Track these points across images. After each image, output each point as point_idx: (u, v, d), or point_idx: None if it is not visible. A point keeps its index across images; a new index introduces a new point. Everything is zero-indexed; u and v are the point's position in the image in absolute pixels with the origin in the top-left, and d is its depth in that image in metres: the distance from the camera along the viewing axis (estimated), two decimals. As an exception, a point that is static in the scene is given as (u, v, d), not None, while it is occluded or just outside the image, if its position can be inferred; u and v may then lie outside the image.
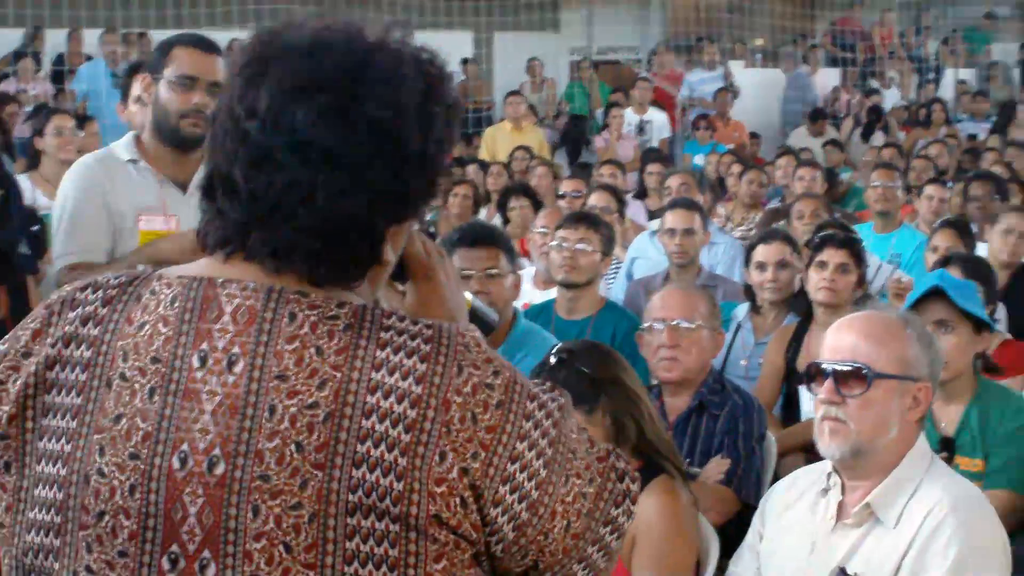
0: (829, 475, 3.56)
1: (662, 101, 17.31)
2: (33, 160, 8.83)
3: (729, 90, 17.74)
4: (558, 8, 20.87)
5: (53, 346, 1.80)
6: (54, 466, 1.77)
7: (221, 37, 5.77)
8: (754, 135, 17.61)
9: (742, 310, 6.60)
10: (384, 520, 1.70)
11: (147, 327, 1.78)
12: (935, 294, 4.62)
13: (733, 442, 4.79)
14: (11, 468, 1.80)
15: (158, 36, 15.64)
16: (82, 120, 9.40)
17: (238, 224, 1.80)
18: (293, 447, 1.70)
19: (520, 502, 1.76)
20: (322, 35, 1.81)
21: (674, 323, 4.94)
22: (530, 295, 7.20)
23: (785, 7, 21.66)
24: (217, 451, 1.72)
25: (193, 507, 1.72)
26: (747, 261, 6.62)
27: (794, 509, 3.65)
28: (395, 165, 1.78)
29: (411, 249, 1.98)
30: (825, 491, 3.56)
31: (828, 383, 3.45)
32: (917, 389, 3.46)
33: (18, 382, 1.80)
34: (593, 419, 3.95)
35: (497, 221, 10.17)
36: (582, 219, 6.44)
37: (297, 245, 1.78)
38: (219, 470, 1.72)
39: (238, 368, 1.74)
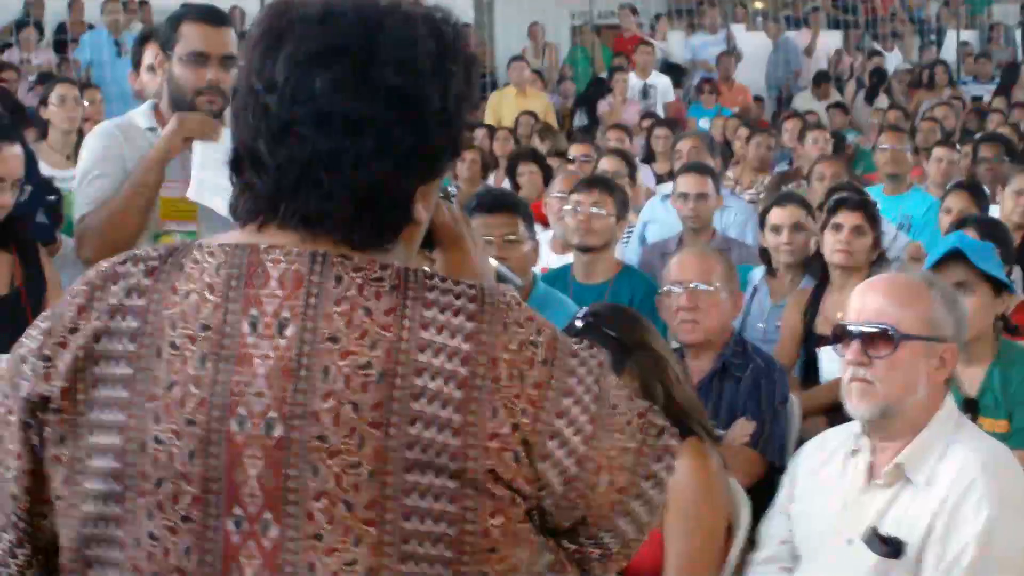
0: (858, 436, 3.59)
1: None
2: (43, 131, 8.82)
3: (732, 54, 17.71)
4: (559, -29, 20.78)
5: (99, 319, 1.81)
6: (109, 436, 1.78)
7: (223, 3, 5.74)
8: (758, 98, 17.61)
9: (758, 273, 6.62)
10: (441, 476, 1.72)
11: (193, 295, 1.79)
12: (954, 256, 4.64)
13: (757, 404, 4.81)
14: (66, 440, 1.81)
15: (158, 4, 15.82)
16: (83, 88, 9.36)
17: (267, 197, 1.82)
18: (349, 407, 1.72)
19: (568, 456, 1.78)
20: (333, 3, 1.82)
21: (692, 285, 4.96)
22: (547, 260, 7.23)
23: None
24: (274, 413, 1.73)
25: (253, 469, 1.74)
26: (762, 224, 6.64)
27: (824, 470, 3.68)
28: (417, 126, 1.80)
29: (438, 218, 2.02)
30: (855, 452, 3.59)
31: (855, 345, 3.47)
32: (944, 350, 3.48)
33: (66, 357, 1.81)
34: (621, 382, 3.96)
35: (506, 186, 10.21)
36: (596, 183, 6.45)
37: (328, 213, 1.80)
38: (277, 432, 1.73)
39: (289, 331, 1.76)
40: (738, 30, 19.49)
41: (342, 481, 1.72)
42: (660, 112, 15.70)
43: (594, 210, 6.19)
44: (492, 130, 13.40)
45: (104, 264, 1.87)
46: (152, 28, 7.17)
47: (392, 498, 1.72)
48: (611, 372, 1.87)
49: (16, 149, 4.26)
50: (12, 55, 15.10)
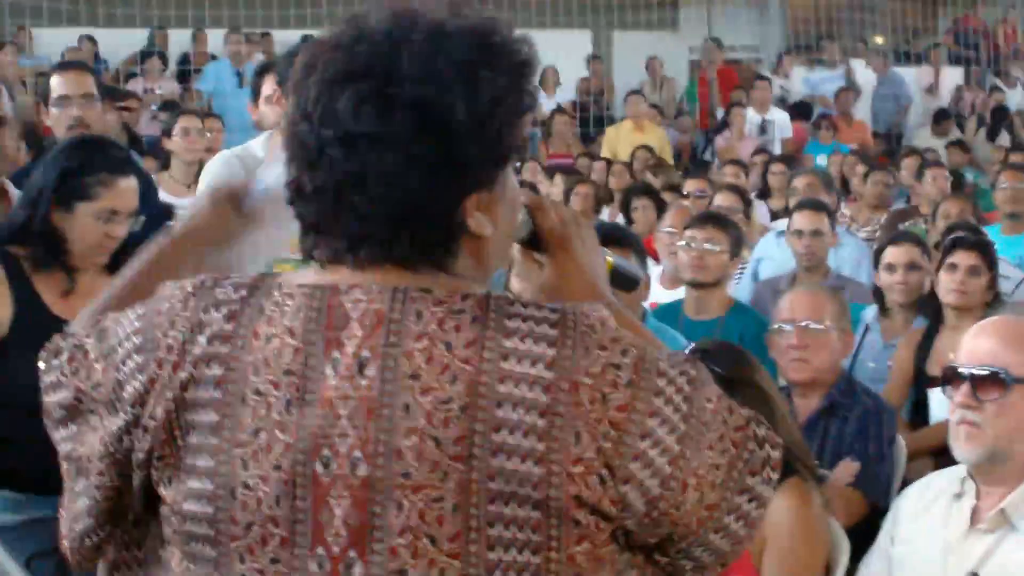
0: (963, 480, 3.56)
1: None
2: (164, 162, 8.97)
3: (851, 89, 17.57)
4: (677, 7, 20.79)
5: (185, 369, 1.83)
6: (201, 482, 1.81)
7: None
8: (876, 135, 17.45)
9: (870, 312, 6.56)
10: (525, 506, 1.73)
11: (275, 339, 1.81)
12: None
13: (863, 444, 4.78)
14: (172, 483, 1.84)
15: (280, 36, 16.05)
16: (204, 118, 9.51)
17: (313, 224, 1.85)
18: (431, 442, 1.73)
19: (652, 477, 1.76)
20: (368, 25, 1.83)
21: (803, 324, 4.94)
22: (657, 295, 7.22)
23: (906, 5, 21.37)
24: (358, 453, 1.75)
25: (339, 509, 1.75)
26: (876, 263, 6.59)
27: (927, 513, 3.65)
28: (441, 137, 1.78)
29: (543, 221, 2.05)
30: (959, 496, 3.56)
31: (965, 387, 3.45)
32: (1056, 395, 3.44)
33: (159, 412, 1.83)
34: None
35: (620, 220, 10.22)
36: (710, 219, 6.45)
37: (368, 235, 1.81)
38: (361, 471, 1.74)
39: (370, 371, 1.77)
40: (858, 65, 19.32)
41: (426, 516, 1.73)
42: (777, 148, 15.62)
43: (708, 246, 6.19)
44: (609, 164, 13.44)
45: (188, 313, 1.87)
46: (271, 60, 7.27)
47: (476, 529, 1.73)
48: (705, 386, 1.84)
49: (132, 182, 4.33)
50: (136, 85, 15.39)
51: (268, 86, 4.99)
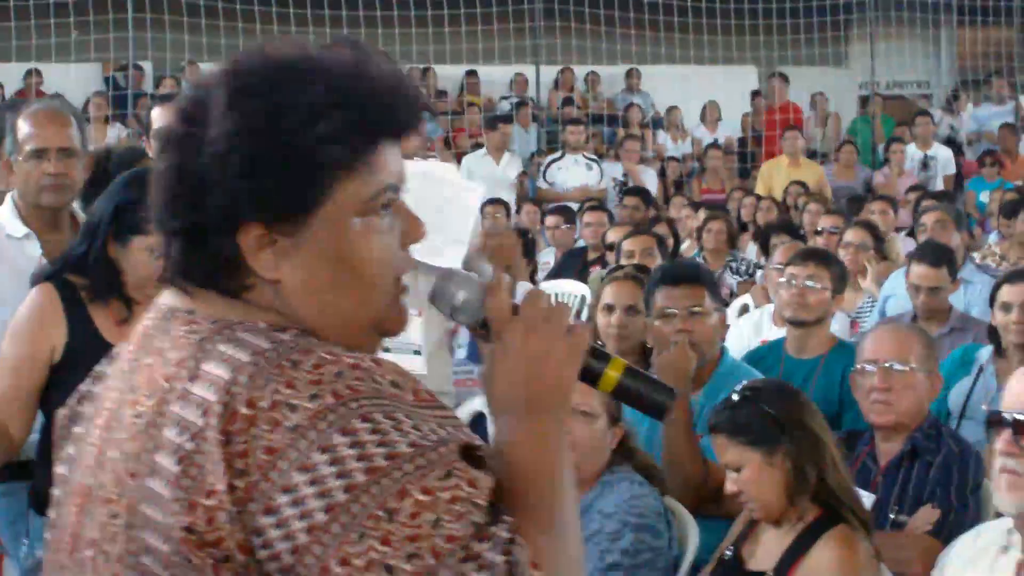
0: (1011, 531, 3.33)
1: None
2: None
3: (1015, 126, 17.10)
4: (849, 42, 20.49)
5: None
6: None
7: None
8: (1048, 173, 16.95)
9: (985, 353, 6.28)
10: (159, 536, 1.65)
11: None
12: None
13: (945, 491, 4.53)
14: None
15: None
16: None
17: None
18: (119, 455, 1.71)
19: (284, 541, 1.58)
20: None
21: (887, 365, 4.71)
22: (768, 332, 7.04)
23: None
24: (90, 460, 1.79)
25: (71, 516, 1.82)
26: (992, 302, 6.32)
27: (973, 567, 3.43)
28: (192, 174, 1.74)
29: (487, 305, 1.86)
30: (1006, 549, 3.34)
31: (1007, 433, 3.22)
32: (1106, 443, 3.20)
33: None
34: (773, 461, 3.84)
35: (755, 256, 10.04)
36: (812, 255, 6.24)
37: (166, 255, 1.81)
38: (83, 478, 1.79)
39: (115, 383, 1.81)
40: (1030, 101, 18.84)
41: (105, 530, 1.72)
42: (940, 184, 15.27)
43: (808, 283, 5.99)
44: (758, 199, 13.24)
45: None
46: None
47: (133, 553, 1.67)
48: (427, 476, 1.60)
49: None
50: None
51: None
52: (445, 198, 4.47)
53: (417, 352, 4.32)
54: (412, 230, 1.86)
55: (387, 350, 4.29)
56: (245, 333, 1.70)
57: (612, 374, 1.90)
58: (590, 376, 1.90)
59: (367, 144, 1.77)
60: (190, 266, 1.78)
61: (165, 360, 1.72)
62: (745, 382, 4.12)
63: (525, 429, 1.77)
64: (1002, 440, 3.23)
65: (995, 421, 3.27)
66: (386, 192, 1.80)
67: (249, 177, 1.72)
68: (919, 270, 7.08)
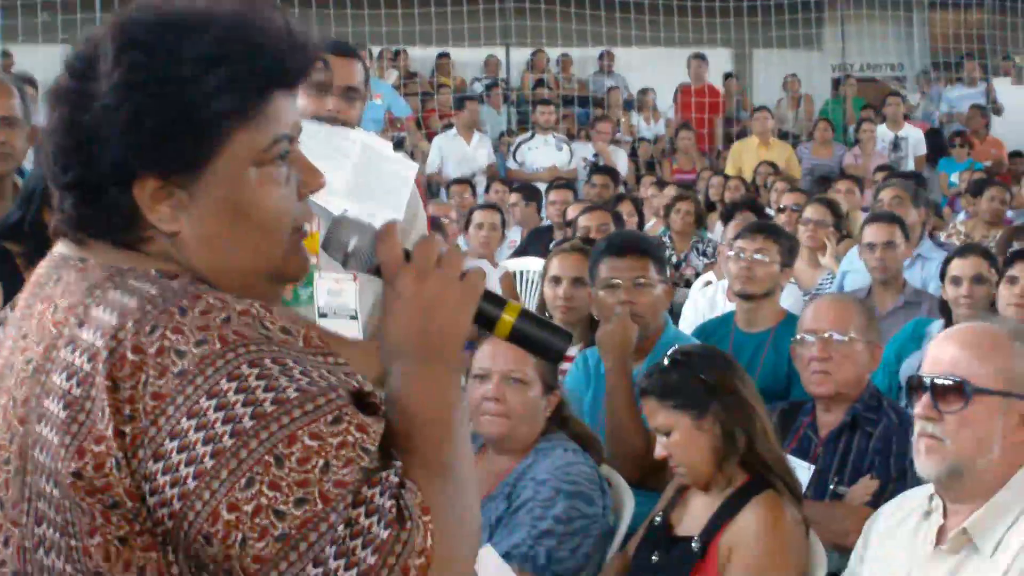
0: (931, 497, 3.32)
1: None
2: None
3: (984, 107, 17.11)
4: (822, 25, 20.47)
5: None
6: None
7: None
8: (1019, 154, 16.95)
9: (936, 327, 6.27)
10: (49, 481, 1.64)
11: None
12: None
13: (885, 462, 4.52)
14: None
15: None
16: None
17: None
18: (10, 401, 1.70)
19: (172, 487, 1.57)
20: None
21: (826, 335, 4.71)
22: (723, 307, 7.02)
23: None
24: None
25: None
26: (943, 276, 6.33)
27: (897, 532, 3.41)
28: (79, 126, 1.73)
29: (379, 251, 1.83)
30: (928, 514, 3.33)
31: (925, 397, 3.20)
32: (1024, 407, 3.18)
33: None
34: (702, 425, 3.84)
35: (719, 236, 10.02)
36: (760, 229, 6.22)
37: (60, 207, 1.79)
38: None
39: (10, 330, 1.80)
40: (1003, 83, 18.83)
41: None
42: (911, 165, 15.28)
43: (757, 256, 5.98)
44: (726, 179, 13.24)
45: None
46: None
47: (28, 499, 1.66)
48: (316, 420, 1.60)
49: None
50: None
51: None
52: (383, 170, 4.46)
53: (354, 317, 4.29)
54: (309, 180, 1.85)
55: (323, 315, 4.27)
56: (135, 280, 1.69)
57: (507, 318, 1.88)
58: (486, 321, 1.88)
59: (259, 94, 1.76)
60: (85, 220, 1.77)
61: (55, 307, 1.72)
62: (677, 346, 4.11)
63: (417, 375, 1.76)
64: (921, 404, 3.21)
65: (915, 386, 3.26)
66: (281, 142, 1.79)
67: (139, 131, 1.71)
68: (871, 229, 7.16)
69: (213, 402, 1.58)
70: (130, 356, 1.60)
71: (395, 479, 1.63)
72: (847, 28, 19.40)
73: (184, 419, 1.58)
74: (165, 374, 1.59)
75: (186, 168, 1.73)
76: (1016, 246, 8.41)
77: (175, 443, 1.57)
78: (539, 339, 1.91)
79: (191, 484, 1.57)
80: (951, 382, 3.18)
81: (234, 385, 1.59)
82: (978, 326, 3.33)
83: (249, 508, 1.56)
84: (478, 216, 9.22)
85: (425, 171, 13.49)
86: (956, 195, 13.90)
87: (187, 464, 1.57)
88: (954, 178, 14.77)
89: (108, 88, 1.71)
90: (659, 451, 3.93)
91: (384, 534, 1.59)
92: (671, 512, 3.98)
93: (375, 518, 1.59)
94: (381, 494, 1.60)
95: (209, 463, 1.56)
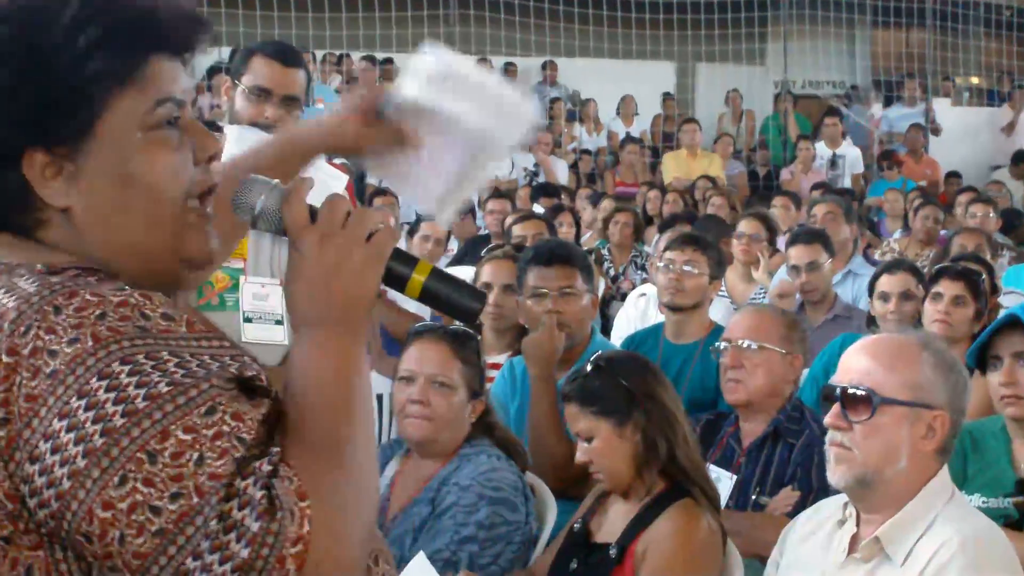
0: (846, 505, 3.38)
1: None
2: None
3: (923, 127, 17.29)
4: (765, 40, 20.58)
5: None
6: None
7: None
8: (955, 174, 17.13)
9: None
10: None
11: None
12: (1014, 324, 4.34)
13: (806, 473, 4.58)
14: None
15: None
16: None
17: None
18: None
19: (49, 488, 1.57)
20: None
21: (739, 343, 4.76)
22: (655, 319, 7.06)
23: (1000, 45, 20.97)
24: None
25: None
26: (871, 291, 6.41)
27: (811, 540, 3.46)
28: None
29: (285, 211, 1.81)
30: (841, 522, 3.38)
31: (835, 407, 3.26)
32: (932, 417, 3.23)
33: None
34: (624, 432, 3.86)
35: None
36: (689, 241, 6.26)
37: None
38: None
39: None
40: (942, 104, 19.02)
41: None
42: (847, 183, 15.43)
43: (686, 268, 6.02)
44: (663, 192, 13.31)
45: None
46: (221, 63, 7.21)
47: None
48: (189, 413, 1.58)
49: None
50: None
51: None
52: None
53: (279, 322, 4.30)
54: (205, 145, 1.82)
55: (248, 320, 4.28)
56: (19, 278, 1.67)
57: (418, 278, 1.85)
58: (396, 282, 1.85)
59: (133, 56, 1.74)
60: None
61: None
62: (599, 352, 4.15)
63: (316, 341, 1.73)
64: (831, 414, 3.27)
65: (827, 395, 3.31)
66: (165, 104, 1.76)
67: (14, 104, 1.69)
68: (793, 251, 7.25)
69: (84, 401, 1.57)
70: (4, 359, 1.58)
71: (268, 467, 1.60)
72: (790, 44, 19.50)
73: (56, 420, 1.56)
74: (38, 375, 1.57)
75: (69, 138, 1.72)
76: (901, 257, 8.54)
77: (48, 444, 1.56)
78: (451, 298, 1.88)
79: (66, 484, 1.56)
80: (860, 392, 3.23)
81: (104, 383, 1.57)
82: (889, 337, 3.40)
83: (124, 505, 1.55)
84: (424, 228, 9.20)
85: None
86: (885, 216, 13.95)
87: (61, 465, 1.56)
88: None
89: None
90: (580, 456, 3.96)
91: (255, 527, 1.56)
92: (590, 519, 4.01)
93: (248, 510, 1.56)
94: (254, 484, 1.58)
95: (81, 463, 1.56)
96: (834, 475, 3.27)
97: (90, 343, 1.58)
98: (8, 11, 1.72)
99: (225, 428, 1.59)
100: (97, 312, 1.61)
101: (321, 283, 1.75)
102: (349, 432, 1.70)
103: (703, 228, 8.91)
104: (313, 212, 1.80)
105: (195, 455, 1.56)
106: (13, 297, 1.63)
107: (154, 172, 1.76)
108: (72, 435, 1.55)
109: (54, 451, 1.56)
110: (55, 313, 1.60)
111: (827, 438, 3.30)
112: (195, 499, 1.55)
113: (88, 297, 1.62)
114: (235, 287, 4.32)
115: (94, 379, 1.57)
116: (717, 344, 4.86)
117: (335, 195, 1.83)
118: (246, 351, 1.71)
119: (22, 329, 1.59)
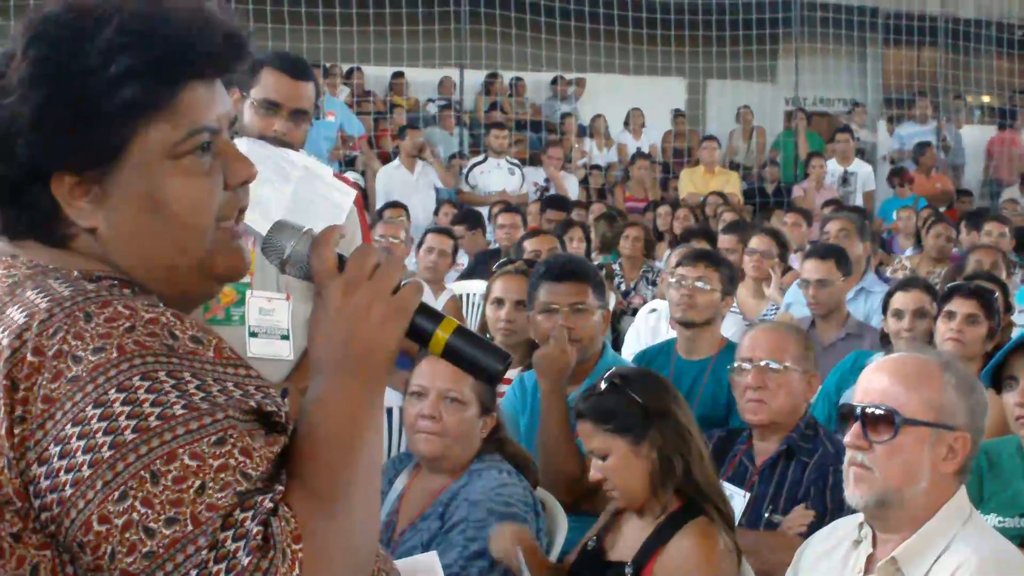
0: (861, 526, 3.33)
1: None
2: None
3: (932, 145, 17.27)
4: (776, 57, 20.56)
5: None
6: None
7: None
8: (966, 192, 17.11)
9: (877, 359, 6.30)
10: None
11: None
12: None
13: (820, 492, 4.54)
14: None
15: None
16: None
17: None
18: None
19: (52, 491, 1.57)
20: None
21: (762, 363, 4.73)
22: (666, 335, 7.04)
23: (1012, 64, 20.95)
24: None
25: None
26: (884, 308, 6.38)
27: (826, 560, 3.42)
28: None
29: (313, 260, 1.81)
30: (857, 543, 3.34)
31: (856, 426, 3.22)
32: (953, 439, 3.19)
33: None
34: (639, 451, 3.83)
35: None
36: (702, 257, 6.24)
37: None
38: None
39: None
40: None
41: None
42: (859, 200, 15.40)
43: (698, 284, 5.99)
44: (674, 208, 13.31)
45: None
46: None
47: None
48: (200, 440, 1.58)
49: None
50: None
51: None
52: (319, 193, 4.46)
53: (285, 337, 4.28)
54: (238, 170, 1.81)
55: (254, 334, 4.25)
56: (54, 280, 1.67)
57: (441, 334, 1.84)
58: (420, 337, 1.85)
59: (167, 85, 1.73)
60: (8, 220, 1.76)
61: None
62: (614, 369, 4.11)
63: (330, 388, 1.73)
64: (851, 433, 3.23)
65: (846, 415, 3.28)
66: (199, 134, 1.76)
67: (45, 127, 1.69)
68: (807, 265, 7.25)
69: (99, 411, 1.56)
70: (30, 357, 1.59)
71: (269, 505, 1.59)
72: (801, 62, 19.48)
73: (69, 425, 1.56)
74: (58, 379, 1.58)
75: (98, 162, 1.72)
76: (916, 275, 8.51)
77: (58, 448, 1.56)
78: (474, 358, 1.87)
79: (68, 491, 1.56)
80: (881, 411, 3.20)
81: (122, 396, 1.57)
82: (909, 357, 3.35)
83: (120, 522, 1.55)
84: (430, 240, 9.18)
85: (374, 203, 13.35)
86: (896, 233, 13.93)
87: (67, 471, 1.56)
88: (895, 215, 14.83)
89: (14, 84, 1.70)
90: (594, 474, 3.92)
91: (245, 560, 1.55)
92: (605, 536, 3.97)
93: (241, 543, 1.56)
94: (252, 519, 1.57)
95: (86, 472, 1.55)
96: (853, 495, 3.23)
97: (115, 354, 1.59)
98: (49, 32, 1.72)
99: (232, 461, 1.59)
100: (127, 325, 1.61)
101: (342, 331, 1.76)
102: (351, 479, 1.70)
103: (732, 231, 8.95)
104: (342, 261, 1.81)
105: (197, 483, 1.57)
106: (46, 298, 1.64)
107: (182, 200, 1.76)
108: (82, 443, 1.56)
109: (62, 456, 1.56)
110: (85, 320, 1.61)
111: (846, 457, 3.26)
112: (189, 527, 1.56)
113: (120, 308, 1.62)
114: (241, 301, 4.30)
115: (113, 390, 1.57)
116: (737, 364, 4.81)
117: (365, 246, 1.83)
118: (270, 383, 1.71)
119: (51, 330, 1.60)
